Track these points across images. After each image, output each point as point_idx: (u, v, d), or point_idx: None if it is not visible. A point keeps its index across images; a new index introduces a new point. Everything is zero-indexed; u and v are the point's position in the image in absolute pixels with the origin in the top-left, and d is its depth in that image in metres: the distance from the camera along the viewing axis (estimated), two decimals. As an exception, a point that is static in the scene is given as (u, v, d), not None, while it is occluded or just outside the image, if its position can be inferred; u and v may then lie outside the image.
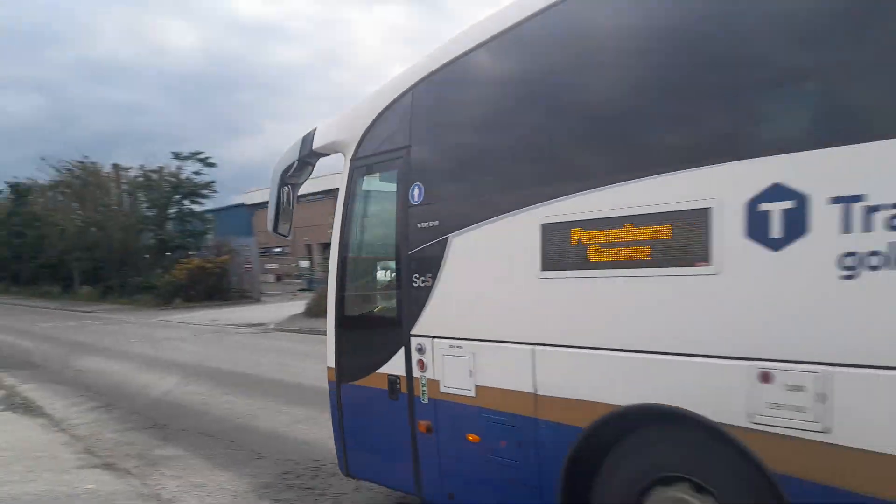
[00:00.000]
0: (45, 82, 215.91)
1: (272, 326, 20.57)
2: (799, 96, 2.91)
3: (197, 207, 40.12)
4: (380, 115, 4.71)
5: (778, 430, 2.66)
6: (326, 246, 46.03)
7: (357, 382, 4.92)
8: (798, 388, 2.60)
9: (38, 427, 8.58)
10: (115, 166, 39.79)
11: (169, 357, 14.39)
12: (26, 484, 6.09)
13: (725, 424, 2.82)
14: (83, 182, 38.80)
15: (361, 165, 4.92)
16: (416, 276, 4.31)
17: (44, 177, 41.81)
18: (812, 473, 2.59)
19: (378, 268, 5.27)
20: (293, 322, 20.90)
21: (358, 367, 4.92)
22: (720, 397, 2.85)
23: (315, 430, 7.61)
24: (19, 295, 45.92)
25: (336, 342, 5.17)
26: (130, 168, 39.55)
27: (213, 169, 39.15)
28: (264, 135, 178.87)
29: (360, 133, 4.84)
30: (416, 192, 4.35)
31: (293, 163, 5.57)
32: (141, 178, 38.51)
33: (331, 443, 5.57)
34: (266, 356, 14.28)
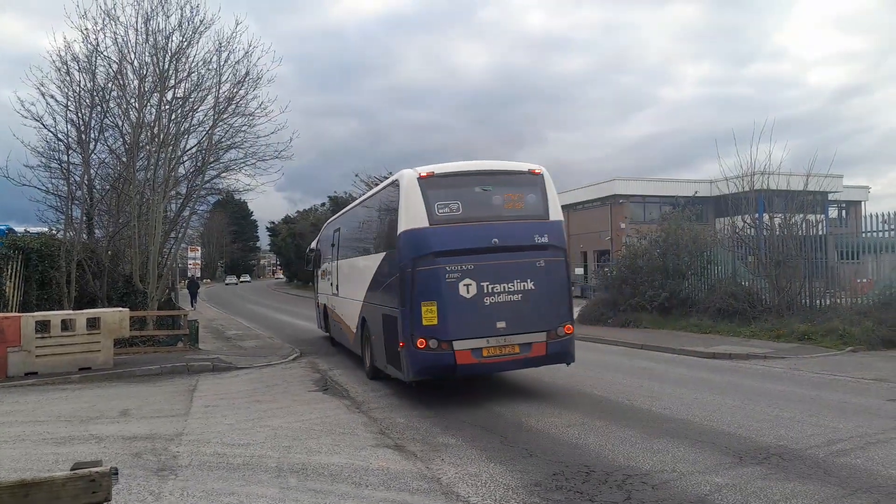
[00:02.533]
0: (360, 108, 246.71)
1: (548, 331, 20.92)
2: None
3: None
4: (317, 242, 20.80)
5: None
6: (603, 253, 45.42)
7: (317, 303, 20.43)
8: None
9: (343, 407, 9.79)
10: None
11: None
12: (332, 456, 6.99)
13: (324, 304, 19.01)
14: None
15: (317, 251, 20.47)
16: (315, 281, 21.03)
17: (357, 190, 47.64)
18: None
19: (318, 279, 20.02)
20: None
21: (318, 301, 19.95)
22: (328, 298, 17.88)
23: (585, 435, 7.58)
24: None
25: (315, 298, 20.79)
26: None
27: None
28: (547, 145, 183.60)
29: (315, 246, 21.17)
30: (318, 258, 20.05)
31: (309, 250, 22.65)
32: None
33: (602, 450, 6.98)
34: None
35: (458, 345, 9.33)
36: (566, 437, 7.56)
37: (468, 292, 9.43)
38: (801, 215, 17.71)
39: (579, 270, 47.33)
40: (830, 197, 38.61)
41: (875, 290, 16.06)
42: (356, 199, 48.79)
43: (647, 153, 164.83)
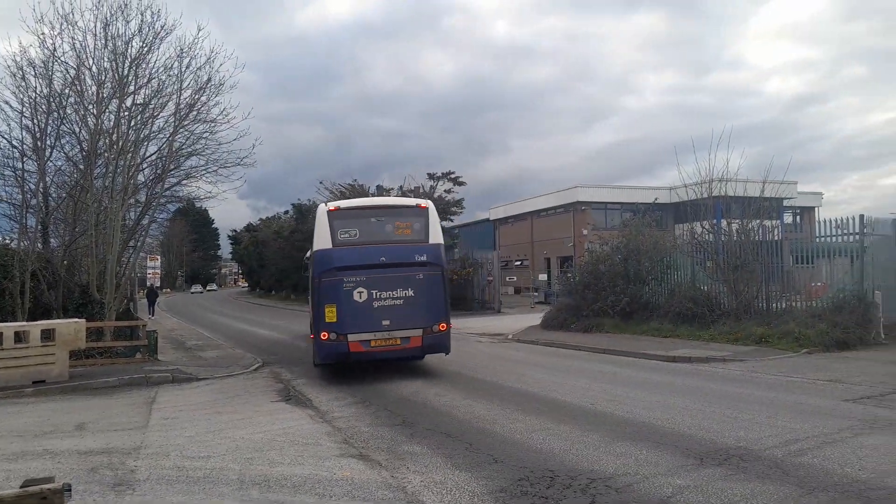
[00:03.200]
0: (326, 115, 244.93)
1: (510, 336, 21.04)
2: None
3: (446, 224, 42.56)
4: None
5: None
6: (566, 259, 45.89)
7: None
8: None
9: (307, 417, 9.68)
10: (379, 188, 43.67)
11: (416, 360, 15.35)
12: (295, 467, 6.89)
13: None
14: (350, 204, 42.95)
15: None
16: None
17: (321, 198, 47.16)
18: None
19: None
20: (529, 333, 21.20)
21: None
22: None
23: (550, 440, 7.62)
24: (297, 302, 52.36)
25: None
26: (392, 189, 43.07)
27: (462, 187, 41.41)
28: (512, 152, 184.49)
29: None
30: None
31: (306, 257, 17.66)
32: (400, 199, 41.64)
33: (566, 455, 6.99)
34: (504, 365, 14.63)
35: (351, 337, 12.32)
36: (531, 442, 7.59)
37: (361, 298, 12.44)
38: (758, 221, 18.12)
39: (543, 276, 47.70)
40: (785, 203, 39.63)
41: (829, 294, 16.50)
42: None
43: (610, 161, 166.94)
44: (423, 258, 12.84)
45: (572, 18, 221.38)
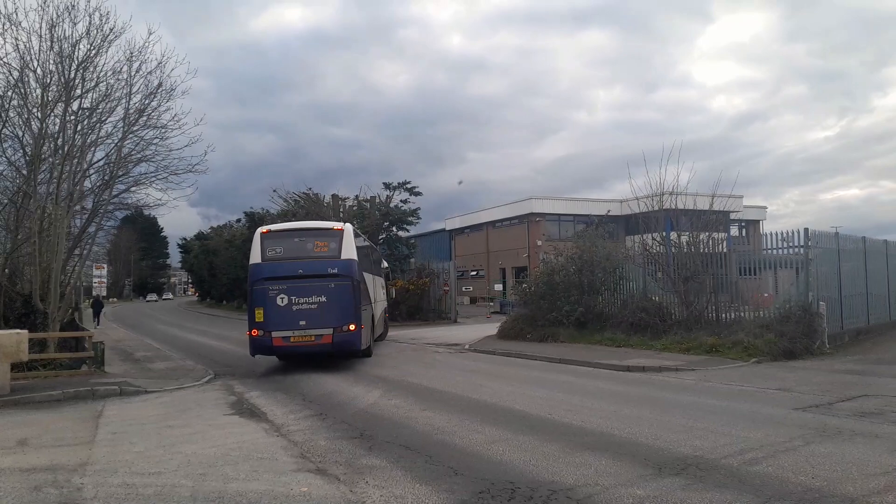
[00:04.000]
0: (278, 123, 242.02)
1: (467, 347, 21.03)
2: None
3: (403, 233, 42.35)
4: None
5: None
6: (521, 270, 46.41)
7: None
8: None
9: (261, 431, 9.46)
10: (334, 196, 43.04)
11: (374, 372, 15.29)
12: (250, 483, 6.71)
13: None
14: (307, 211, 42.33)
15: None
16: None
17: (274, 206, 46.30)
18: None
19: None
20: (486, 343, 21.23)
21: None
22: None
23: (510, 451, 7.60)
24: (249, 312, 51.35)
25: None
26: (347, 198, 42.59)
27: (417, 197, 41.32)
28: (468, 164, 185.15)
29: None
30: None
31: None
32: (355, 208, 41.25)
33: (526, 466, 6.90)
34: (462, 375, 14.60)
35: (275, 334, 15.25)
36: (491, 453, 7.56)
37: (283, 302, 15.27)
38: (706, 233, 18.58)
39: (498, 286, 47.95)
40: (732, 216, 40.77)
41: (775, 305, 16.99)
42: (273, 215, 47.90)
43: (562, 174, 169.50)
44: (335, 270, 15.55)
45: (524, 34, 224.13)
